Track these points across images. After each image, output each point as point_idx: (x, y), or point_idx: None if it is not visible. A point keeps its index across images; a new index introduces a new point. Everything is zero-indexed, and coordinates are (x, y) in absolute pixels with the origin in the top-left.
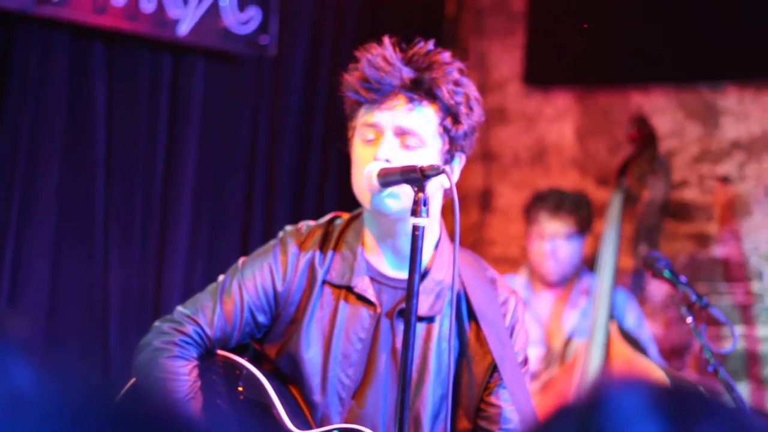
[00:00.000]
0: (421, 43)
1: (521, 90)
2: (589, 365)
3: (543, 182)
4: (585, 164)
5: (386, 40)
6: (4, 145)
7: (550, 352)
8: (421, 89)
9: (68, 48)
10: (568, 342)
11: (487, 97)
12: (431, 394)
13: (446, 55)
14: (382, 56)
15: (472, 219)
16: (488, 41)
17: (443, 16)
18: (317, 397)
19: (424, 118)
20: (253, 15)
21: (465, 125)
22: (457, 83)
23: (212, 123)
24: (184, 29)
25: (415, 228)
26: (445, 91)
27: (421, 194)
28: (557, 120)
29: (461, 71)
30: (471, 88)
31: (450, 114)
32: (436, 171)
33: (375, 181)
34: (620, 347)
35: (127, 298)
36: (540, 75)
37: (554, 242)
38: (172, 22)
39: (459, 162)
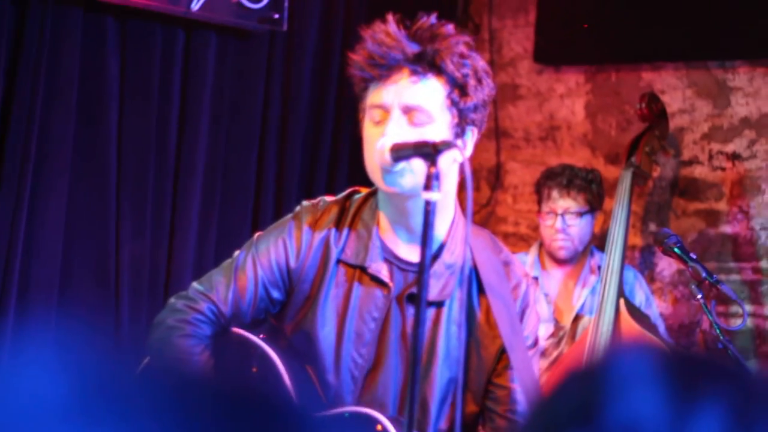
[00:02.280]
0: (425, 17)
1: (532, 67)
2: (597, 342)
3: (554, 160)
4: (595, 142)
5: (390, 16)
6: (18, 121)
7: (560, 330)
8: (425, 62)
9: (81, 23)
10: (577, 319)
11: (499, 74)
12: (439, 377)
13: (450, 28)
14: (385, 32)
15: (483, 196)
16: (500, 19)
17: None
18: (330, 376)
19: (430, 92)
20: None
21: (474, 98)
22: (462, 55)
23: (224, 99)
24: (196, 4)
25: (427, 203)
26: (449, 62)
27: (433, 168)
28: (568, 97)
29: (468, 45)
30: (478, 60)
31: (457, 86)
32: (449, 145)
33: (387, 156)
34: (629, 324)
35: (138, 274)
36: (551, 53)
37: (565, 219)
38: None
39: (471, 136)
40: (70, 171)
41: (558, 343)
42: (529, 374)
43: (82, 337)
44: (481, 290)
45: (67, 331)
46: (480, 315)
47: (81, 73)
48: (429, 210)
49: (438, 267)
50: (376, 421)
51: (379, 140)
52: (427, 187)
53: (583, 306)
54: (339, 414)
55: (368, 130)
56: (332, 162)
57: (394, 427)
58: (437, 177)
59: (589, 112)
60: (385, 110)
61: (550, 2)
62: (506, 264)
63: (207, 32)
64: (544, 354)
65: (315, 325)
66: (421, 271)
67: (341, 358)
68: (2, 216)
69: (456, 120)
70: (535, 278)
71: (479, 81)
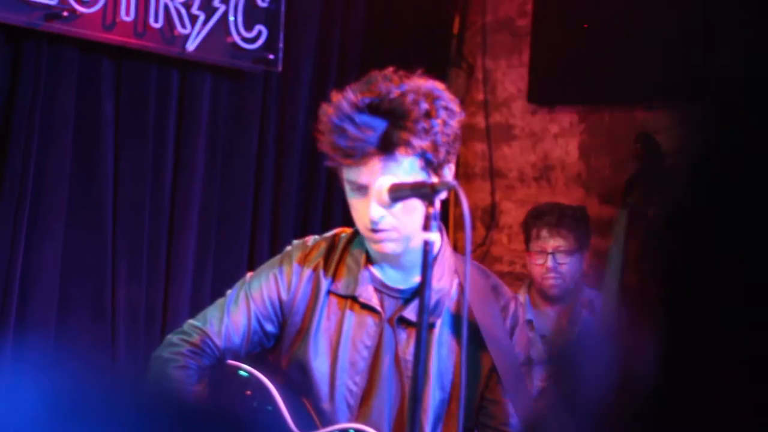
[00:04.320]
0: (380, 83)
1: (526, 108)
2: None
3: (548, 199)
4: (590, 182)
5: (347, 92)
6: (13, 160)
7: None
8: (392, 144)
9: (77, 63)
10: None
11: (493, 114)
12: (432, 398)
13: (408, 85)
14: (348, 117)
15: (478, 235)
16: (494, 59)
17: (449, 33)
18: (326, 404)
19: (404, 168)
20: (260, 32)
21: (446, 146)
22: (428, 115)
23: (219, 138)
24: (191, 45)
25: (425, 243)
26: (416, 137)
27: (431, 209)
28: (562, 137)
29: (428, 94)
30: (442, 101)
31: (428, 150)
32: (447, 186)
33: (386, 197)
34: None
35: (135, 313)
36: (545, 93)
37: (556, 257)
38: (180, 38)
39: (450, 170)
40: (66, 211)
41: None
42: (522, 390)
43: (78, 374)
44: (470, 313)
45: (64, 369)
46: (470, 335)
47: (76, 113)
48: (428, 250)
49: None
50: None
51: (363, 216)
52: (426, 227)
53: None
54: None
55: (350, 197)
56: (327, 202)
57: None
58: (436, 217)
59: (583, 152)
60: (363, 188)
61: (544, 43)
62: (494, 287)
63: (202, 73)
64: (542, 393)
65: (308, 356)
66: (422, 311)
67: (336, 387)
68: None
69: (432, 169)
70: (530, 321)
71: (447, 126)
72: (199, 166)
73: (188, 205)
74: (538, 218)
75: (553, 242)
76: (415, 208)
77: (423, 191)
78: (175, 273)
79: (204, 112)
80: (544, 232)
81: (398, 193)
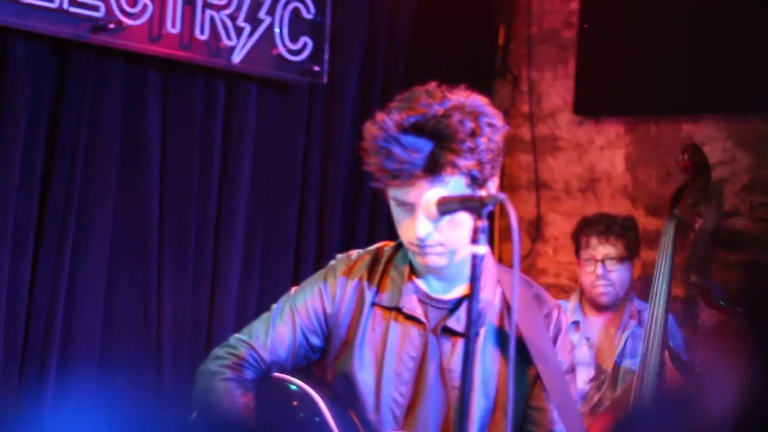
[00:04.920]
0: (423, 103)
1: (572, 119)
2: (643, 395)
3: (594, 211)
4: (635, 193)
5: (391, 112)
6: (60, 172)
7: (602, 374)
8: (438, 165)
9: (123, 75)
10: (618, 364)
11: (539, 126)
12: (477, 407)
13: (452, 102)
14: (394, 139)
15: (524, 248)
16: (539, 71)
17: (494, 45)
18: (371, 415)
19: (451, 188)
20: (306, 43)
21: (491, 162)
22: (473, 133)
23: (265, 150)
24: (237, 57)
25: (473, 256)
26: (461, 158)
27: (480, 222)
28: (608, 149)
29: (472, 112)
30: (486, 117)
31: (474, 169)
32: (495, 200)
33: (434, 210)
34: (673, 375)
35: (180, 326)
36: (591, 105)
37: (605, 265)
38: (226, 50)
39: (494, 184)
40: (112, 222)
41: (599, 387)
42: (566, 397)
43: (125, 388)
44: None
45: (110, 383)
46: (513, 343)
47: (123, 124)
48: (476, 263)
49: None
50: None
51: (409, 233)
52: (474, 240)
53: (623, 351)
54: None
55: (395, 212)
56: (372, 213)
57: None
58: (484, 230)
59: (629, 164)
60: (409, 205)
61: (590, 54)
62: (537, 296)
63: (248, 84)
64: (585, 398)
65: (353, 368)
66: (470, 323)
67: (381, 399)
68: (45, 267)
69: (478, 185)
70: (576, 323)
71: (492, 142)
72: (244, 178)
73: (234, 216)
74: (587, 227)
75: (603, 250)
76: (462, 222)
77: (471, 205)
78: (221, 285)
79: (250, 123)
80: (594, 240)
81: (447, 206)
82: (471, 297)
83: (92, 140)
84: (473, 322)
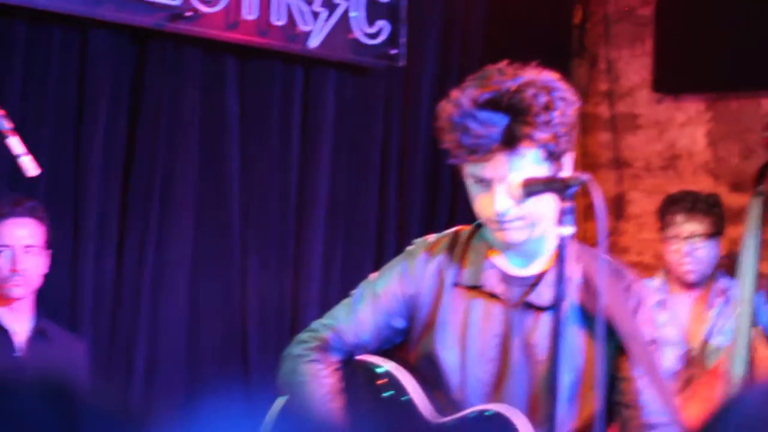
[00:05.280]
0: (496, 78)
1: (651, 97)
2: (733, 371)
3: (676, 188)
4: (717, 170)
5: (465, 89)
6: (141, 160)
7: (689, 353)
8: (514, 138)
9: (200, 63)
10: (706, 343)
11: (618, 104)
12: (563, 381)
13: (525, 78)
14: (470, 115)
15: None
16: (617, 49)
17: (571, 24)
18: (457, 395)
19: (528, 162)
20: (382, 27)
21: (566, 136)
22: (548, 107)
23: (344, 134)
24: (314, 42)
25: (561, 238)
26: (538, 131)
27: (566, 203)
28: (688, 126)
29: (546, 86)
30: (559, 92)
31: (550, 142)
32: (579, 181)
33: (519, 192)
34: (764, 352)
35: (265, 312)
36: (670, 82)
37: (692, 242)
38: (303, 35)
39: (570, 159)
40: (194, 209)
41: (687, 365)
42: (651, 366)
43: (212, 377)
44: (594, 293)
45: (197, 371)
46: (596, 315)
47: (201, 111)
48: (563, 245)
49: (549, 276)
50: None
51: (488, 209)
52: (560, 222)
53: (711, 329)
54: (473, 413)
55: (473, 189)
56: (454, 194)
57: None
58: (570, 211)
59: (710, 140)
60: (487, 181)
61: (668, 31)
62: (616, 270)
63: (325, 69)
64: (674, 377)
65: (436, 348)
66: (559, 305)
67: (467, 378)
68: (130, 255)
69: (554, 160)
70: (662, 301)
71: (566, 116)
72: (324, 162)
73: (315, 201)
74: (672, 204)
75: (689, 227)
76: (540, 197)
77: (556, 186)
78: (304, 271)
79: (328, 107)
80: (679, 218)
81: (532, 188)
82: (559, 278)
83: (172, 128)
84: (561, 304)
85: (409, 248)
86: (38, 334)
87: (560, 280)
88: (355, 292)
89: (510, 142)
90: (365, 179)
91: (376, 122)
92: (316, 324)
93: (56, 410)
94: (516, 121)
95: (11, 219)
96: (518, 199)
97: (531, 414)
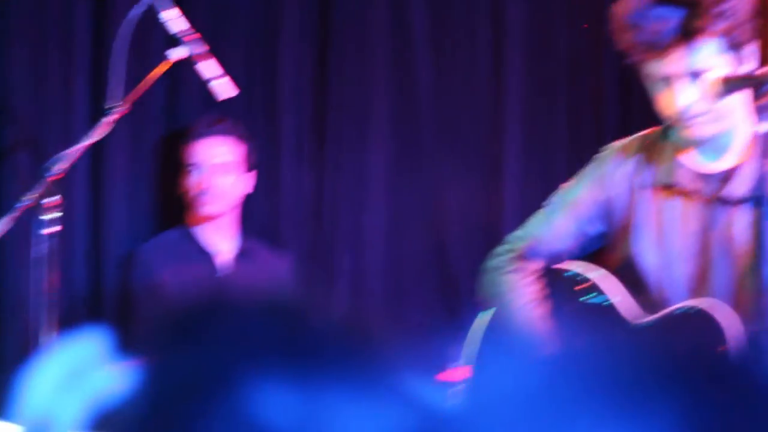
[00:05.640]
0: None
1: None
2: None
3: None
4: None
5: None
6: (333, 74)
7: None
8: (691, 28)
9: None
10: None
11: None
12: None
13: None
14: (643, 13)
15: None
16: None
17: None
18: (659, 294)
19: (707, 54)
20: None
21: (744, 24)
22: None
23: (534, 43)
24: None
25: (757, 134)
26: (714, 19)
27: (762, 100)
28: None
29: None
30: None
31: (728, 30)
32: None
33: (717, 90)
34: None
35: (465, 224)
36: None
37: None
38: None
39: (753, 49)
40: (388, 121)
41: None
42: None
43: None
44: None
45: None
46: None
47: (391, 22)
48: (761, 139)
49: (743, 170)
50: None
51: (672, 106)
52: (758, 118)
53: None
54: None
55: (654, 89)
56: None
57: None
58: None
59: None
60: (667, 79)
61: None
62: None
63: None
64: None
65: (634, 251)
66: (760, 195)
67: (668, 278)
68: (328, 170)
69: (736, 50)
70: None
71: (743, 3)
72: (516, 76)
73: (507, 109)
74: None
75: None
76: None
77: (755, 82)
78: (501, 182)
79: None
80: None
81: (730, 85)
82: (759, 172)
83: (361, 41)
84: (760, 191)
85: (597, 155)
86: (242, 255)
87: (760, 174)
88: (549, 202)
89: (686, 35)
90: (553, 91)
91: (560, 35)
92: (512, 236)
93: (270, 329)
94: (690, 14)
95: (205, 138)
96: (718, 97)
97: (737, 308)
